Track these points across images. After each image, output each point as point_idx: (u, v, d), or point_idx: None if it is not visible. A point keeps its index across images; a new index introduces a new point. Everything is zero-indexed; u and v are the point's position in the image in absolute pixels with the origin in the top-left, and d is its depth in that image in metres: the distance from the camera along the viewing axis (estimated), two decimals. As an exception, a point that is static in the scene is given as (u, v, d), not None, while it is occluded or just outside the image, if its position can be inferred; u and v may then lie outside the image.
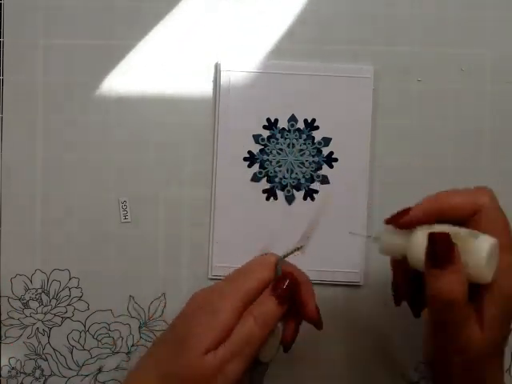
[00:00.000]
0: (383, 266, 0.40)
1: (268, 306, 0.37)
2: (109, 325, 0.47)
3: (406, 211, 0.36)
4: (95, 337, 0.47)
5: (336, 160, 0.47)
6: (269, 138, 0.46)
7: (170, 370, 0.36)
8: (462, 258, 0.33)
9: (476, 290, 0.34)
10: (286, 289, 0.38)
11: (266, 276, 0.38)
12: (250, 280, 0.38)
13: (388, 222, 0.37)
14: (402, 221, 0.36)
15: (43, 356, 0.47)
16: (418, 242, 0.35)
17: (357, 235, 0.39)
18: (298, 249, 0.41)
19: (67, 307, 0.47)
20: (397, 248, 0.36)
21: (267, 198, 0.46)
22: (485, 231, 0.34)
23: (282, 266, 0.39)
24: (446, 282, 0.33)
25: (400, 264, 0.38)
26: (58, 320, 0.47)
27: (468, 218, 0.35)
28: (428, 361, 0.38)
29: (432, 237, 0.34)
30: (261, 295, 0.38)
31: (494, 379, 0.36)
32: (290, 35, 0.47)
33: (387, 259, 0.39)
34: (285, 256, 0.40)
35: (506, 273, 0.34)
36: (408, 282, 0.39)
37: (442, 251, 0.33)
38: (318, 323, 0.40)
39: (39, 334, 0.46)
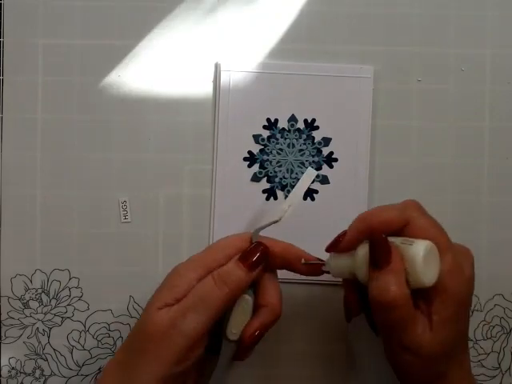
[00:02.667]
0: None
1: (228, 266, 0.37)
2: (109, 325, 0.47)
3: (341, 236, 0.38)
4: (95, 337, 0.47)
5: (336, 160, 0.47)
6: (269, 138, 0.46)
7: (132, 331, 0.38)
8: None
9: (427, 293, 0.35)
10: (251, 251, 0.38)
11: (238, 247, 0.39)
12: (220, 251, 0.39)
13: (328, 250, 0.39)
14: (340, 246, 0.38)
15: (43, 356, 0.47)
16: (360, 257, 0.36)
17: (311, 263, 0.40)
18: (274, 222, 0.40)
19: (67, 307, 0.47)
20: (345, 269, 0.38)
21: (267, 198, 0.46)
22: (419, 238, 0.35)
23: (258, 239, 0.39)
24: (384, 282, 0.34)
25: (351, 283, 0.39)
26: (57, 320, 0.47)
27: (400, 230, 0.36)
28: (387, 359, 0.38)
29: (371, 240, 0.35)
30: None
31: (456, 376, 0.37)
32: (290, 35, 0.47)
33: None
34: (260, 229, 0.39)
35: (449, 273, 0.35)
36: (359, 300, 0.40)
37: (380, 252, 0.35)
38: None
39: (39, 334, 0.46)
